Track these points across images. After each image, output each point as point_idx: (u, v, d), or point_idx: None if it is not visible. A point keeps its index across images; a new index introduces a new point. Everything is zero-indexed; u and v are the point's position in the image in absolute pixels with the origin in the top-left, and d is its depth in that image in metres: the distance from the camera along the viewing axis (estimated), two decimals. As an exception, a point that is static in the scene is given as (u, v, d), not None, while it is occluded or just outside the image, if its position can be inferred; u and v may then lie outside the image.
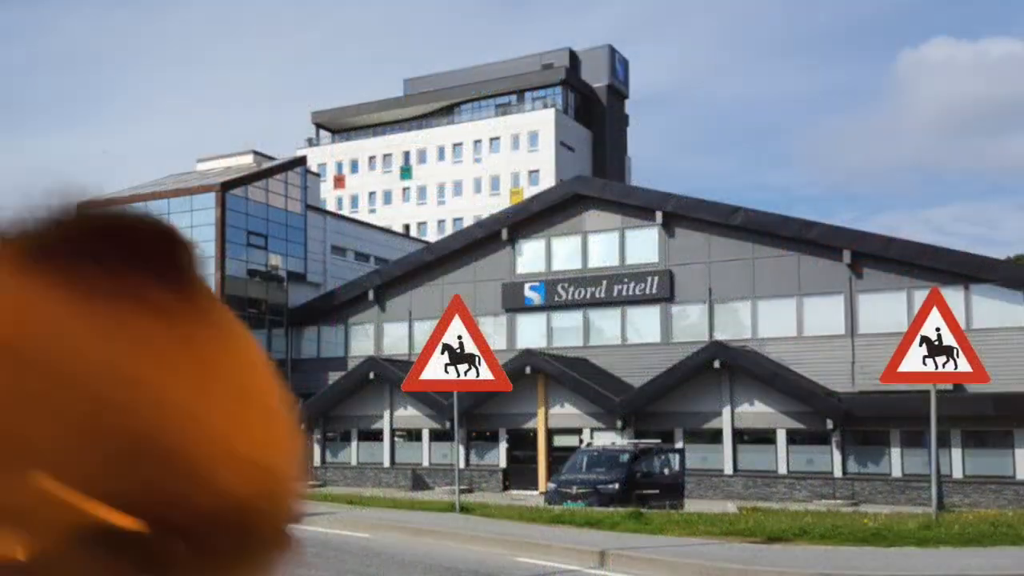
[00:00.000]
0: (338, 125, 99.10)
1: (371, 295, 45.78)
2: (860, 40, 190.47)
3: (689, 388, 35.05)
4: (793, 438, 34.65)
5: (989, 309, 32.24)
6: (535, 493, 35.33)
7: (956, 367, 18.41)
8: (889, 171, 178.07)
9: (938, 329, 18.60)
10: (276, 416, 0.65)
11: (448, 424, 38.55)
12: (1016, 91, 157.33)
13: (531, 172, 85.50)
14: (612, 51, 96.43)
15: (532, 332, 41.70)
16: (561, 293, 40.91)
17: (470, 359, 19.90)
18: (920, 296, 26.47)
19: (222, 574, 0.61)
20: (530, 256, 42.33)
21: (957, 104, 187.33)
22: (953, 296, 28.38)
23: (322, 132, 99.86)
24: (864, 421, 33.27)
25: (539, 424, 38.05)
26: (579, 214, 41.12)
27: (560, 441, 37.76)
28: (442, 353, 19.94)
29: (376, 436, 42.36)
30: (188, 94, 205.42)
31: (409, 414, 41.10)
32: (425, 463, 41.09)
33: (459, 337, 19.79)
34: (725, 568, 13.88)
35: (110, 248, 0.59)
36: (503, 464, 39.35)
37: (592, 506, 25.37)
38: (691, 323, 37.81)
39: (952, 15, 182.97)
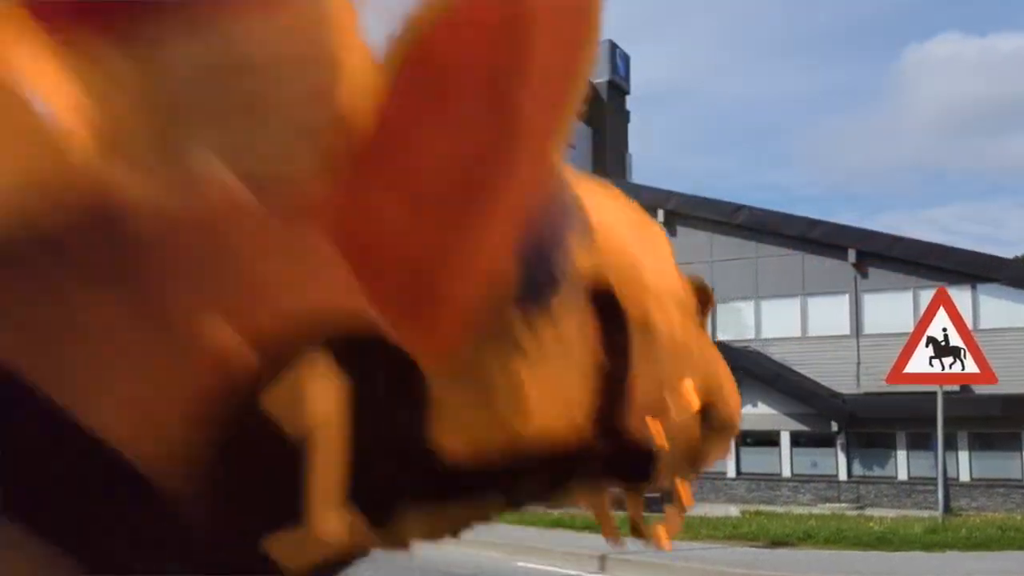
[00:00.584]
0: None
1: (367, 295, 45.70)
2: (860, 40, 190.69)
3: (691, 389, 35.00)
4: (797, 440, 34.65)
5: (996, 309, 32.22)
6: (534, 496, 35.30)
7: (963, 368, 18.45)
8: (889, 171, 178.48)
9: (945, 329, 18.64)
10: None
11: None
12: (1018, 89, 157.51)
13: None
14: (613, 46, 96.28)
15: (531, 332, 41.60)
16: (561, 293, 40.85)
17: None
18: (926, 296, 26.43)
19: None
20: (529, 255, 42.26)
21: (958, 103, 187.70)
22: (960, 296, 28.34)
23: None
24: (869, 423, 33.27)
25: (538, 426, 37.98)
26: (579, 212, 41.03)
27: (560, 443, 37.70)
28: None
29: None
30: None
31: (406, 416, 41.06)
32: (422, 466, 41.06)
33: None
34: (728, 573, 13.90)
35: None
36: (502, 467, 39.32)
37: (592, 510, 25.35)
38: (693, 323, 37.71)
39: (954, 13, 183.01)
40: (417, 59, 0.64)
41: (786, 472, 34.66)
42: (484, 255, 0.67)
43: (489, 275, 0.68)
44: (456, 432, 0.72)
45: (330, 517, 0.64)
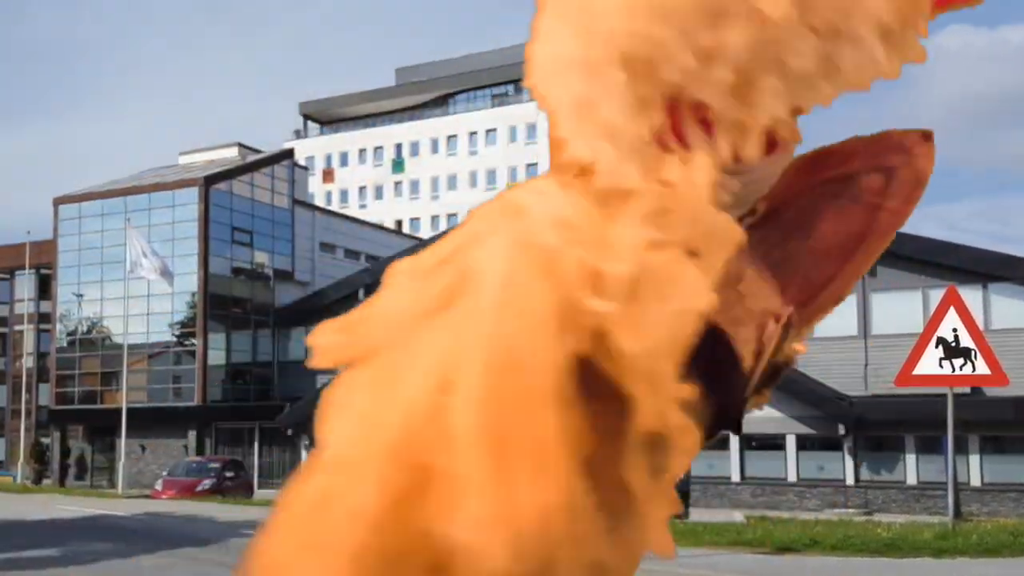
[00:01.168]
0: (327, 116, 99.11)
1: (362, 294, 45.66)
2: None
3: (694, 392, 34.99)
4: (803, 444, 34.68)
5: (1008, 309, 32.25)
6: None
7: (974, 369, 18.43)
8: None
9: (955, 330, 18.63)
10: None
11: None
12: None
13: (529, 165, 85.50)
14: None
15: (530, 333, 41.62)
16: (560, 292, 40.87)
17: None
18: (936, 295, 26.47)
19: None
20: (528, 253, 42.28)
21: (967, 97, 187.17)
22: (971, 295, 28.35)
23: (310, 123, 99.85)
24: (877, 426, 33.29)
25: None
26: (579, 209, 41.07)
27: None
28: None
29: (367, 442, 42.29)
30: (170, 83, 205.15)
31: (401, 419, 41.04)
32: (418, 470, 41.06)
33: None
34: (732, 580, 13.88)
35: None
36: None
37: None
38: (696, 324, 37.71)
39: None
40: (816, 172, 1.24)
41: (792, 477, 34.67)
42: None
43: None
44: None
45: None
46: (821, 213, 1.22)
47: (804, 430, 34.27)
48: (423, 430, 0.92)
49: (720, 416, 1.18)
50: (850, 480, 34.00)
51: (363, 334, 1.01)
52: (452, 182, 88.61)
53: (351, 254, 58.05)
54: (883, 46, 1.13)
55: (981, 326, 22.29)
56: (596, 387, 0.98)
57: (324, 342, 1.02)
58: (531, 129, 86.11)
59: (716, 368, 1.12)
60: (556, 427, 0.92)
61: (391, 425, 0.93)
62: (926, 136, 1.25)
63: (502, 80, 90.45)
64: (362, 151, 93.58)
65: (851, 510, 31.94)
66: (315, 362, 1.00)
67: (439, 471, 0.91)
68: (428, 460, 0.92)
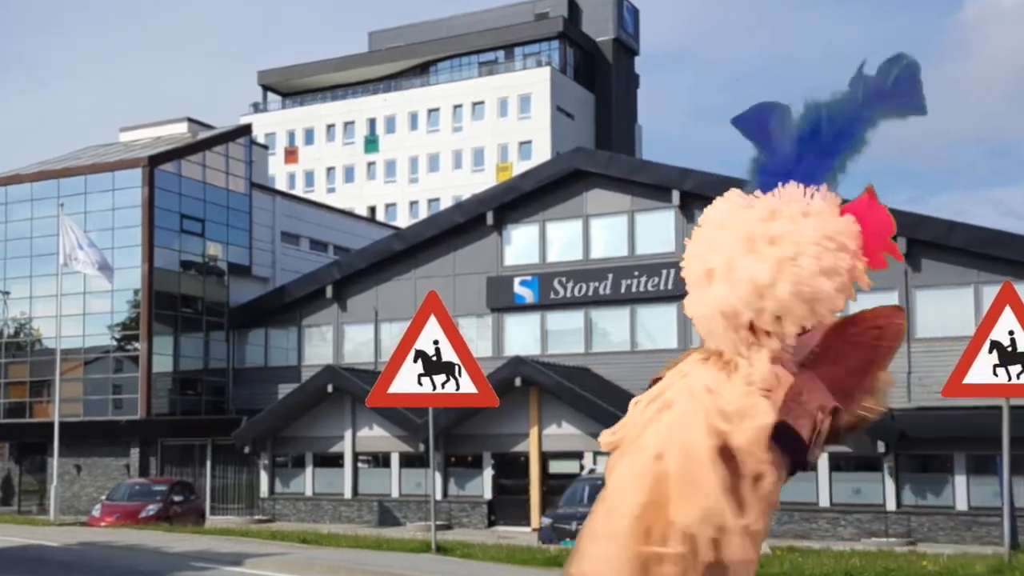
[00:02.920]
0: (290, 87, 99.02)
1: (329, 292, 45.73)
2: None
3: (712, 403, 34.99)
4: (837, 464, 34.72)
5: (1072, 308, 32.24)
6: (527, 530, 35.36)
7: (1033, 378, 18.41)
8: (948, 144, 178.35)
9: (1011, 332, 18.59)
10: None
11: (422, 447, 38.55)
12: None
13: (522, 143, 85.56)
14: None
15: (523, 336, 41.70)
16: (558, 289, 40.91)
17: (448, 368, 19.92)
18: (990, 293, 26.47)
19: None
20: (521, 245, 42.31)
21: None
22: (1029, 293, 28.34)
23: (271, 95, 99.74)
24: (923, 443, 33.34)
25: (531, 447, 38.06)
26: (580, 194, 41.12)
27: (557, 467, 37.78)
28: (415, 361, 19.94)
29: (336, 461, 42.31)
30: (108, 48, 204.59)
31: (375, 435, 41.07)
32: (394, 494, 41.06)
33: (435, 342, 19.80)
34: (755, 620, 13.85)
35: None
36: (488, 495, 39.33)
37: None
38: (715, 325, 37.69)
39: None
40: (839, 330, 2.66)
41: (824, 501, 34.71)
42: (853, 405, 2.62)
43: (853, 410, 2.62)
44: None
45: None
46: (846, 350, 2.60)
47: (838, 448, 34.31)
48: (651, 479, 2.46)
49: (793, 467, 2.57)
50: (891, 505, 34.05)
51: (621, 432, 2.54)
52: (433, 162, 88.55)
53: (317, 245, 58.02)
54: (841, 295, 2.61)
55: (1041, 328, 22.28)
56: (728, 458, 2.44)
57: (604, 438, 2.52)
58: (524, 101, 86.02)
59: (789, 443, 2.48)
60: (711, 475, 2.41)
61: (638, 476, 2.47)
62: (898, 308, 2.63)
63: (491, 45, 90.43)
64: (330, 127, 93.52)
65: (892, 539, 31.98)
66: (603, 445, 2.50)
67: (663, 494, 2.44)
68: (659, 489, 2.44)
